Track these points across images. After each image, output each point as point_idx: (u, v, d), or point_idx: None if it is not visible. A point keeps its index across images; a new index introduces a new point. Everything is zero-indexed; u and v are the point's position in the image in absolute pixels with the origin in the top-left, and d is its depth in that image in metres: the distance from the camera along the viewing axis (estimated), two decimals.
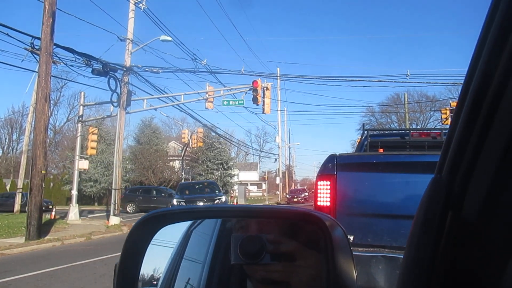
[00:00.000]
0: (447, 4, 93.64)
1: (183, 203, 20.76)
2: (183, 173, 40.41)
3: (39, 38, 14.09)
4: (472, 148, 0.54)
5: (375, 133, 7.42)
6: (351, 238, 3.35)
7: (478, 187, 0.53)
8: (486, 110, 0.53)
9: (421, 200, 0.62)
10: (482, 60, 0.55)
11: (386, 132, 8.63)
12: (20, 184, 26.65)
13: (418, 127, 47.21)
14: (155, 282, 1.20)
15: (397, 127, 40.88)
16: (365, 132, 5.90)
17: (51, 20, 13.96)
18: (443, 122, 24.43)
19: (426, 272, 0.57)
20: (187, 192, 21.98)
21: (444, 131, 5.69)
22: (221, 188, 27.26)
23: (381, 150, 5.34)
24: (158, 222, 1.07)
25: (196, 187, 23.50)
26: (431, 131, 6.83)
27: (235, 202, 39.73)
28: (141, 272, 1.08)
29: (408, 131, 6.65)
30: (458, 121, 0.58)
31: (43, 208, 26.11)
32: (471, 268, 0.53)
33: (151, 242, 1.06)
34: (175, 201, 21.60)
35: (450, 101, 27.93)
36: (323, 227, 0.87)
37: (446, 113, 24.22)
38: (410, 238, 0.62)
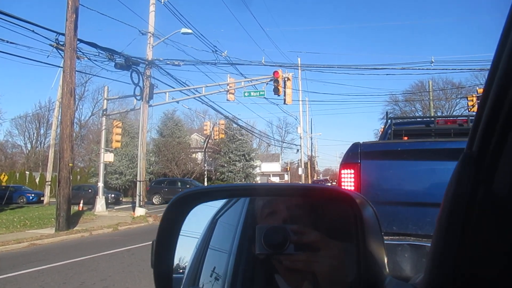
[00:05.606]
0: None
1: None
2: (205, 165, 40.76)
3: (63, 34, 14.35)
4: (504, 120, 0.54)
5: (399, 121, 7.27)
6: None
7: (509, 160, 0.53)
8: None
9: (451, 176, 0.62)
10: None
11: (411, 120, 8.44)
12: (48, 177, 27.46)
13: (444, 115, 46.15)
14: (181, 271, 1.22)
15: (422, 115, 39.99)
16: (389, 120, 5.78)
17: (74, 16, 14.20)
18: (469, 109, 23.71)
19: (455, 249, 0.57)
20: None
21: (471, 118, 5.51)
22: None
23: (405, 138, 5.24)
24: (191, 200, 1.10)
25: None
26: (458, 118, 6.63)
27: None
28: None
29: (433, 119, 6.47)
30: (489, 94, 0.57)
31: (120, 199, 27.82)
32: (505, 246, 0.52)
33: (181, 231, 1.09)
34: None
35: (477, 88, 27.10)
36: (353, 205, 0.86)
37: (472, 100, 23.48)
38: (441, 213, 0.61)
